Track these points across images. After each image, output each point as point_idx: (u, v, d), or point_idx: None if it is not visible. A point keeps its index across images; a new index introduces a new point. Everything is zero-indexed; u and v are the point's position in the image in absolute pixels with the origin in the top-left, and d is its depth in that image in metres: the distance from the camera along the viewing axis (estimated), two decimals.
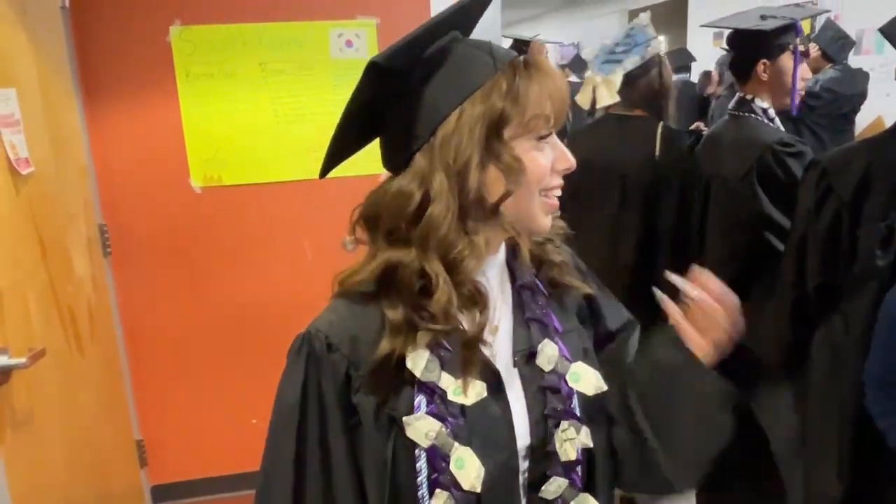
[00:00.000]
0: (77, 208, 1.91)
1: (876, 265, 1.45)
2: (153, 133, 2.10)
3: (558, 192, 0.82)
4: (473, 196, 0.76)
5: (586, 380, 0.84)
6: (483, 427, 0.79)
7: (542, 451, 0.82)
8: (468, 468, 0.76)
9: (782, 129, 1.97)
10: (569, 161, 0.80)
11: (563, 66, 7.26)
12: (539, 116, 0.77)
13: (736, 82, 2.06)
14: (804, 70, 1.96)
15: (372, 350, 0.78)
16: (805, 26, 3.09)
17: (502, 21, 2.32)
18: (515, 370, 0.84)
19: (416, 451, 0.77)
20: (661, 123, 2.20)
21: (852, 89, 4.26)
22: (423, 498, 0.78)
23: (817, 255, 1.57)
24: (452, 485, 0.77)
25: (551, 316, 0.86)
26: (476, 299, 0.78)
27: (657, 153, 2.15)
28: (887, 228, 1.43)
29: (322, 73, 2.14)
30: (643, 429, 0.85)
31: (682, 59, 6.33)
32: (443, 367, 0.78)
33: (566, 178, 0.82)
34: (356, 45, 2.15)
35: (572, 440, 0.82)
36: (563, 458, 0.82)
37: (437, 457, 0.77)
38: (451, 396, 0.77)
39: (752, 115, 1.95)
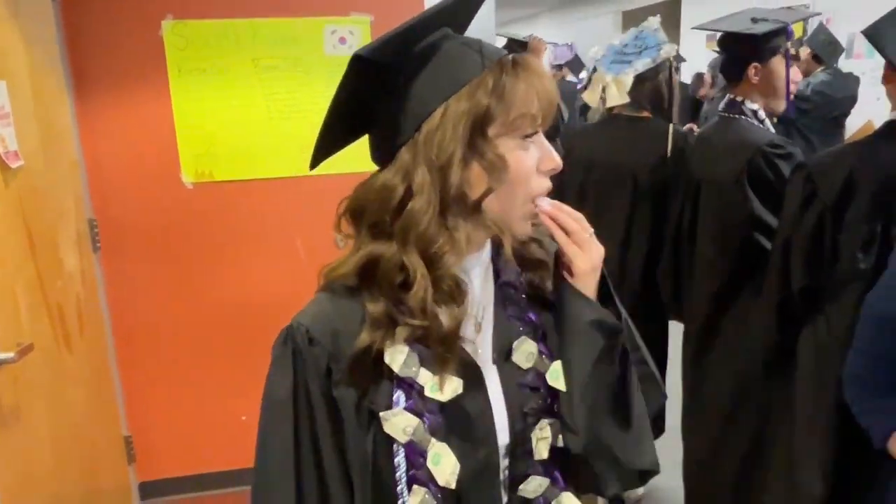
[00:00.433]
0: (67, 202, 1.90)
1: (858, 268, 1.47)
2: (144, 128, 2.09)
3: (546, 203, 0.80)
4: (455, 192, 0.75)
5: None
6: (460, 423, 0.79)
7: (522, 449, 0.82)
8: (444, 464, 0.76)
9: (773, 130, 1.98)
10: (554, 161, 0.80)
11: (558, 66, 7.27)
12: (525, 115, 0.76)
13: (727, 84, 2.07)
14: (794, 73, 1.97)
15: (353, 344, 0.77)
16: (797, 29, 3.10)
17: (496, 20, 2.33)
18: (495, 367, 0.84)
19: (395, 446, 0.77)
20: (671, 125, 2.24)
21: (843, 93, 4.28)
22: (402, 493, 0.78)
23: (801, 258, 1.58)
24: (430, 480, 0.77)
25: (531, 314, 0.86)
26: (455, 295, 0.78)
27: (669, 154, 2.20)
28: (869, 232, 1.45)
29: (316, 69, 2.14)
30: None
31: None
32: (422, 363, 0.78)
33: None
34: (350, 42, 2.15)
35: (546, 439, 0.82)
36: (536, 457, 0.82)
37: (415, 452, 0.77)
38: (428, 392, 0.77)
39: (743, 117, 1.96)
